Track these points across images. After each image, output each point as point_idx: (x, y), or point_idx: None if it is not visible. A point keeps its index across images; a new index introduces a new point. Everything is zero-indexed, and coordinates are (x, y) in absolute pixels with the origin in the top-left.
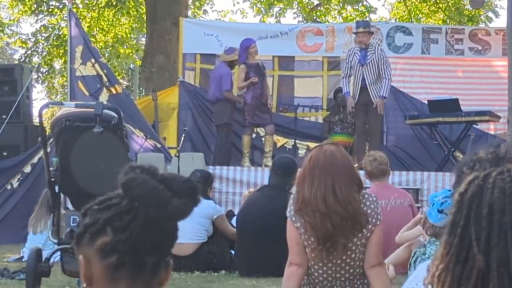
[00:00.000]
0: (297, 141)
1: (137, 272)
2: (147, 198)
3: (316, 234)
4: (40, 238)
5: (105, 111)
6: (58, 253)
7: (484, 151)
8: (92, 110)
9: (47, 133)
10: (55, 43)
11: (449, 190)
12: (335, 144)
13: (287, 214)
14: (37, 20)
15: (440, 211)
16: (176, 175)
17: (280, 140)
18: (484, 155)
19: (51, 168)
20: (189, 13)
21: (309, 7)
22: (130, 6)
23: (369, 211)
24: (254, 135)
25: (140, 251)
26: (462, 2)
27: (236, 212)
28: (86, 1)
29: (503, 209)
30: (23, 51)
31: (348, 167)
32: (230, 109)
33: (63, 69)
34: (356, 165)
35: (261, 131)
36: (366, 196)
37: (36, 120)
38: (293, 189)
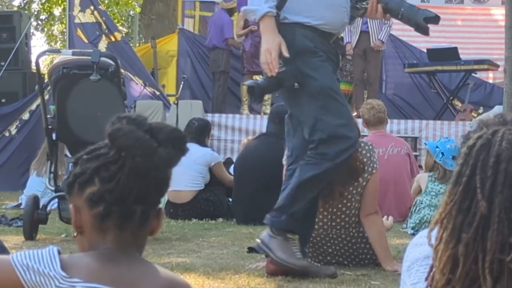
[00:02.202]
0: None
1: (124, 221)
2: (132, 148)
3: None
4: (41, 182)
5: (102, 58)
6: (56, 200)
7: (491, 118)
8: (89, 57)
9: (45, 81)
10: None
11: (447, 138)
12: None
13: (283, 162)
14: None
15: (454, 157)
16: (163, 125)
17: None
18: (492, 120)
19: (48, 116)
20: None
21: None
22: None
23: (365, 159)
24: None
25: (127, 200)
26: None
27: (234, 159)
28: None
29: (510, 158)
30: None
31: None
32: (227, 57)
33: (63, 16)
34: (355, 113)
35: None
36: (362, 144)
37: (34, 67)
38: None
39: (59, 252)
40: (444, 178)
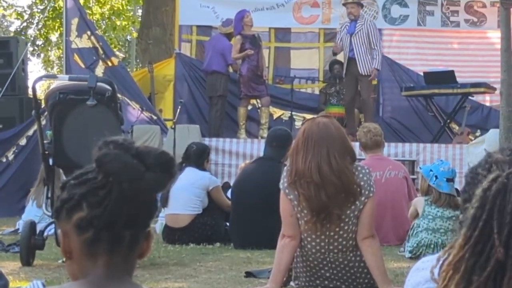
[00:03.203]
0: (293, 113)
1: (114, 246)
2: (120, 173)
3: (310, 205)
4: (39, 212)
5: (99, 83)
6: (53, 225)
7: (500, 154)
8: (86, 82)
9: (42, 106)
10: (51, 15)
11: (441, 160)
12: (328, 116)
13: (280, 187)
14: None
15: (449, 180)
16: (151, 148)
17: (277, 112)
18: (501, 156)
19: (45, 141)
20: None
21: None
22: None
23: (362, 183)
24: (250, 107)
25: (115, 225)
26: None
27: (232, 183)
28: None
29: None
30: (18, 23)
31: (342, 138)
32: (225, 81)
33: (59, 42)
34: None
35: (257, 102)
36: (359, 168)
37: (31, 93)
38: (287, 161)
39: (43, 286)
40: (439, 201)
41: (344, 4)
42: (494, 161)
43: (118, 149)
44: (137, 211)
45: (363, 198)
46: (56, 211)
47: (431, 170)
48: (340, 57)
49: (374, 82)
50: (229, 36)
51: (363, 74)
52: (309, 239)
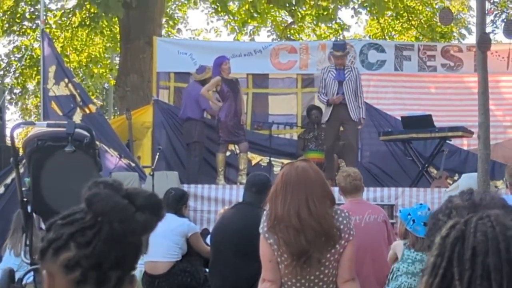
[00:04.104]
0: (272, 158)
1: (100, 287)
2: (110, 214)
3: (290, 250)
4: (17, 260)
5: (77, 130)
6: (31, 273)
7: (460, 199)
8: (64, 129)
9: (20, 154)
10: (28, 63)
11: (421, 204)
12: (307, 160)
13: (260, 231)
14: (10, 41)
15: (426, 224)
16: (140, 190)
17: (255, 158)
18: (460, 202)
19: (23, 188)
20: (163, 32)
21: (283, 25)
22: (104, 25)
23: (341, 226)
24: (228, 153)
25: (103, 266)
26: (434, 19)
27: (211, 230)
28: (59, 21)
29: (486, 251)
30: None
31: (321, 182)
32: (200, 127)
33: (37, 90)
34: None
35: (235, 148)
36: (339, 211)
37: (9, 141)
38: (267, 206)
39: None
40: (415, 245)
41: (332, 54)
42: (453, 206)
43: (108, 189)
44: (125, 252)
45: (343, 242)
46: (41, 251)
47: (409, 214)
48: (318, 102)
49: None
50: (203, 82)
51: (353, 119)
52: (289, 283)
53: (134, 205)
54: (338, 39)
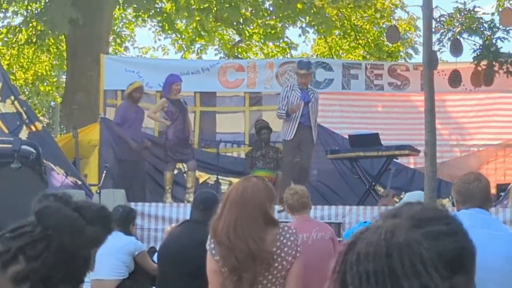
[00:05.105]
0: (219, 177)
1: None
2: (61, 227)
3: (224, 264)
4: None
5: (23, 146)
6: None
7: (387, 210)
8: (10, 146)
9: None
10: None
11: (365, 222)
12: (259, 178)
13: (207, 247)
14: None
15: None
16: (90, 203)
17: (203, 176)
18: (387, 211)
19: None
20: (110, 50)
21: (230, 43)
22: (50, 43)
23: (288, 243)
24: (176, 171)
25: (52, 279)
26: (382, 38)
27: (158, 248)
28: (6, 39)
29: (367, 257)
30: None
31: (256, 202)
32: (121, 146)
33: None
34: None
35: (183, 167)
36: (286, 228)
37: None
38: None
39: None
40: None
41: (298, 73)
42: (381, 214)
43: (58, 202)
44: (74, 265)
45: (290, 259)
46: None
47: (352, 232)
48: (269, 120)
49: None
50: (129, 96)
51: (313, 143)
52: None
53: (85, 218)
54: (285, 57)
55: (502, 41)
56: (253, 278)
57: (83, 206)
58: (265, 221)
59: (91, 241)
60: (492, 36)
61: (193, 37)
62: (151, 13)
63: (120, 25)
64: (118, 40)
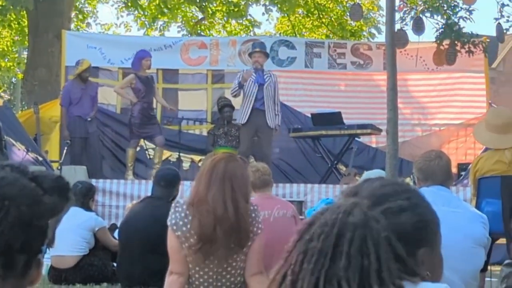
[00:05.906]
0: (181, 154)
1: (7, 271)
2: (18, 197)
3: (201, 232)
4: None
5: None
6: None
7: (349, 187)
8: None
9: None
10: None
11: (326, 199)
12: (239, 157)
13: (168, 223)
14: None
15: None
16: (47, 173)
17: (165, 153)
18: (348, 188)
19: None
20: (72, 26)
21: (193, 20)
22: (12, 18)
23: (249, 219)
24: (138, 148)
25: (10, 250)
26: (345, 17)
27: (119, 224)
28: None
29: (319, 236)
30: None
31: (246, 183)
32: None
33: None
34: None
35: (144, 144)
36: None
37: None
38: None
39: None
40: None
41: (251, 53)
42: (342, 192)
43: (15, 172)
44: (32, 236)
45: (251, 235)
46: None
47: (314, 210)
48: (231, 98)
49: None
50: (81, 77)
51: (270, 126)
52: (197, 275)
53: (42, 188)
54: (248, 35)
55: (465, 21)
56: (227, 255)
57: (40, 176)
58: (246, 199)
59: (48, 211)
60: (454, 16)
61: (156, 14)
62: None
63: (83, 1)
64: (80, 16)
